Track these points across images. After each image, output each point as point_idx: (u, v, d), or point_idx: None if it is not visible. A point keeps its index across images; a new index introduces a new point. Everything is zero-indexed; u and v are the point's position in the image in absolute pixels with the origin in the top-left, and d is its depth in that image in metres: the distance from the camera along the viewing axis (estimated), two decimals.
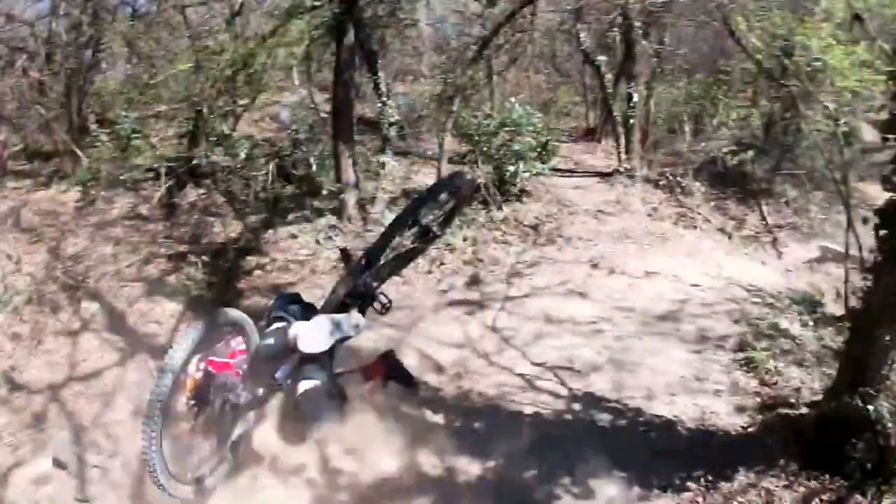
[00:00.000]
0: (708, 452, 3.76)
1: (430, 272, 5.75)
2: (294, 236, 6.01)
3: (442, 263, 5.85)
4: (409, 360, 4.58)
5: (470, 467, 3.74)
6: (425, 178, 7.18)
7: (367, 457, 3.78)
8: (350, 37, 6.31)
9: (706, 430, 3.97)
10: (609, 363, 4.58)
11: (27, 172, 7.23)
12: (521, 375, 4.48)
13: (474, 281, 5.72)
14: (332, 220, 6.08)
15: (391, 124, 6.38)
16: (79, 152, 6.84)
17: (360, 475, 3.69)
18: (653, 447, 3.83)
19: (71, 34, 7.07)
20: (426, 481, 3.66)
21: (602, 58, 7.89)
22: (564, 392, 4.31)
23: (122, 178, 6.50)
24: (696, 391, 4.28)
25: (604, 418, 4.08)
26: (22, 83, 6.99)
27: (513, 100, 7.22)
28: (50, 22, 7.25)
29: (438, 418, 4.15)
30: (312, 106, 6.80)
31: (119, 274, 5.61)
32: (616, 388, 4.31)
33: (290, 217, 6.35)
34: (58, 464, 3.79)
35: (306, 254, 5.83)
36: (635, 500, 3.51)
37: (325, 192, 6.47)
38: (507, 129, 6.88)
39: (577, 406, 4.19)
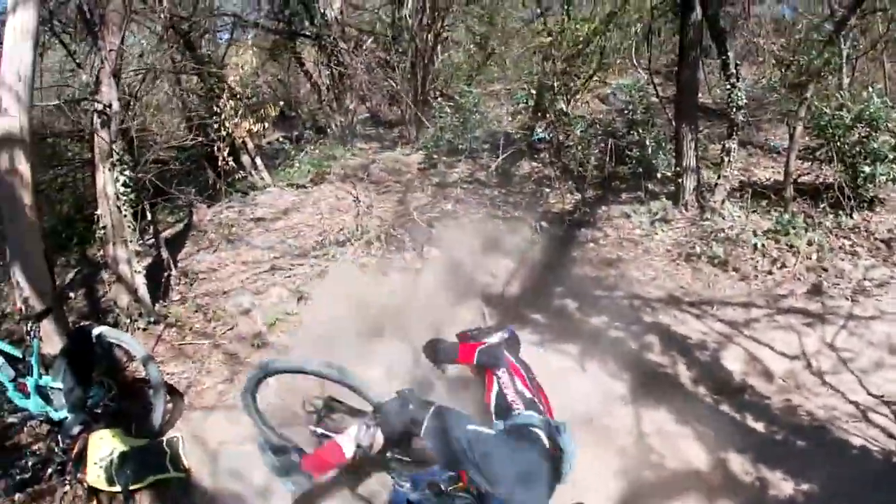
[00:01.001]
0: None
1: (770, 272, 5.36)
2: (627, 216, 6.08)
3: (783, 266, 5.40)
4: (735, 362, 4.53)
5: (782, 484, 3.54)
6: (765, 171, 6.71)
7: (678, 444, 3.84)
8: (697, 13, 5.99)
9: None
10: None
11: (373, 137, 8.38)
12: (855, 404, 4.07)
13: (816, 291, 5.18)
14: (668, 203, 6.02)
15: (738, 108, 5.98)
16: (424, 120, 7.73)
17: (667, 459, 3.75)
18: None
19: (415, 18, 7.82)
20: (733, 485, 3.54)
21: None
22: None
23: (461, 146, 7.17)
24: None
25: None
26: (371, 60, 8.00)
27: (871, 89, 6.25)
28: (393, 9, 8.23)
29: (759, 426, 3.98)
30: (651, 87, 6.72)
31: (459, 227, 6.14)
32: None
33: (623, 197, 6.42)
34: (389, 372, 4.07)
35: (640, 234, 5.87)
36: None
37: (658, 175, 6.40)
38: (862, 123, 6.06)
39: None
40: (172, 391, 4.12)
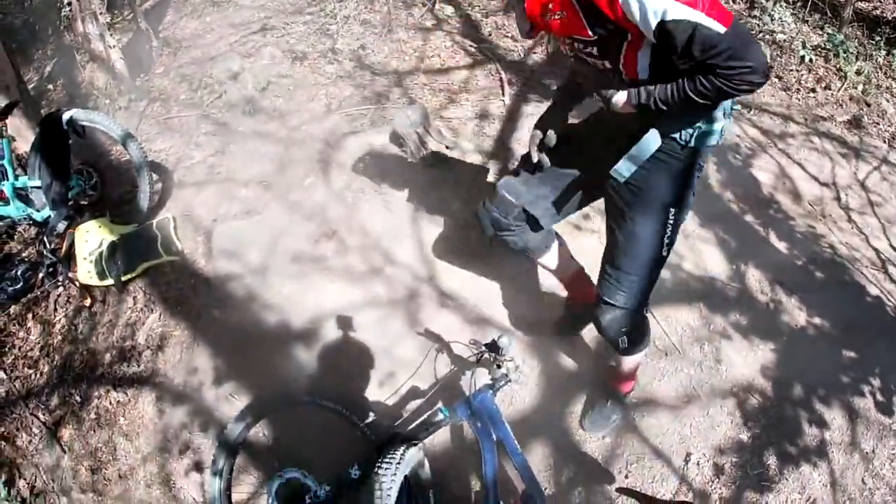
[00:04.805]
0: None
1: (813, 90, 4.56)
2: None
3: (828, 87, 4.60)
4: (765, 173, 3.92)
5: (796, 312, 3.10)
6: None
7: (699, 247, 3.40)
8: None
9: None
10: None
11: None
12: (877, 251, 3.58)
13: (856, 123, 4.48)
14: None
15: None
16: None
17: (685, 262, 3.32)
18: None
19: None
20: (748, 301, 3.13)
21: None
22: None
23: None
24: None
25: None
26: None
27: None
28: None
29: (781, 246, 3.45)
30: None
31: None
32: None
33: None
34: (395, 140, 3.52)
35: None
36: None
37: None
38: None
39: None
40: (159, 169, 3.67)
